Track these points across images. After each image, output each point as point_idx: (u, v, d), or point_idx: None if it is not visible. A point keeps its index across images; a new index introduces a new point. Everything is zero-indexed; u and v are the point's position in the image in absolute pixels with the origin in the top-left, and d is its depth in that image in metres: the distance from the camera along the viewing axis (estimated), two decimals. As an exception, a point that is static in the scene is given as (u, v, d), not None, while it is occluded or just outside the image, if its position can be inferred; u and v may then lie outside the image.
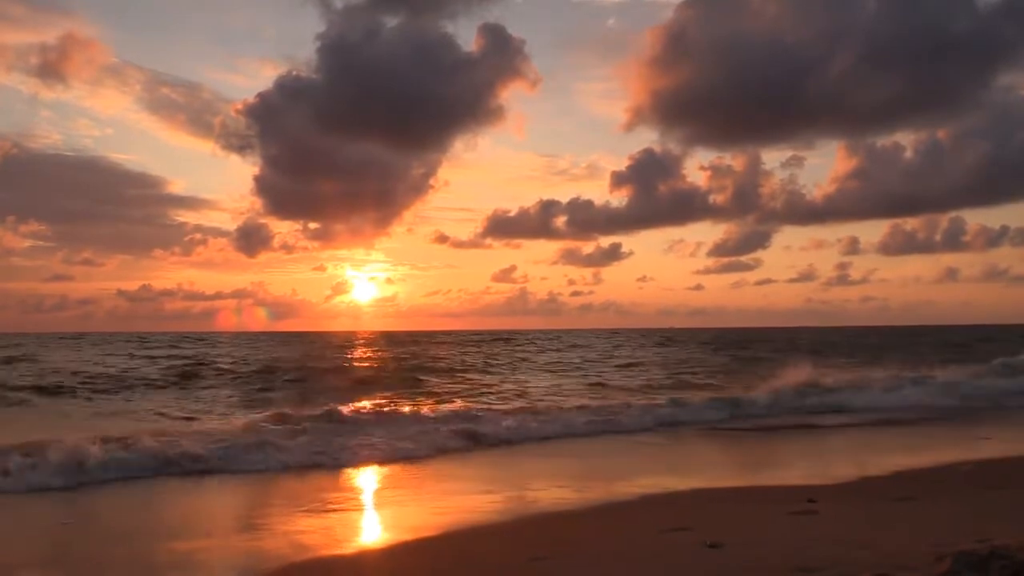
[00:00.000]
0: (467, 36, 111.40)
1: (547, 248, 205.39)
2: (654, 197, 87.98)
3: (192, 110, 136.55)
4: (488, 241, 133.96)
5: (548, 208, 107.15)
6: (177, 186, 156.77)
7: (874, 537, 6.87)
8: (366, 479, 11.51)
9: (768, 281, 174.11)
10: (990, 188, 77.03)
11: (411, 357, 46.37)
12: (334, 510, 9.20)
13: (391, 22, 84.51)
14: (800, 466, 12.68)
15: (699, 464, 13.08)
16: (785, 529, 7.42)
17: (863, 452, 13.55)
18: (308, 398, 20.63)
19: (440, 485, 11.14)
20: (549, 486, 10.45)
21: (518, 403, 20.78)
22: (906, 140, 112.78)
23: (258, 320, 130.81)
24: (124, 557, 7.31)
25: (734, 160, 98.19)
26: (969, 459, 11.79)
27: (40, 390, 23.66)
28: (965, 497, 8.89)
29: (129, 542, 7.89)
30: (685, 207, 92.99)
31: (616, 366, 37.74)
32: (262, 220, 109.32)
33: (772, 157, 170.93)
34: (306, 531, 8.05)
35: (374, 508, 9.65)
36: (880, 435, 15.77)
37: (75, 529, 8.67)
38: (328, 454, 12.78)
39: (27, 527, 9.06)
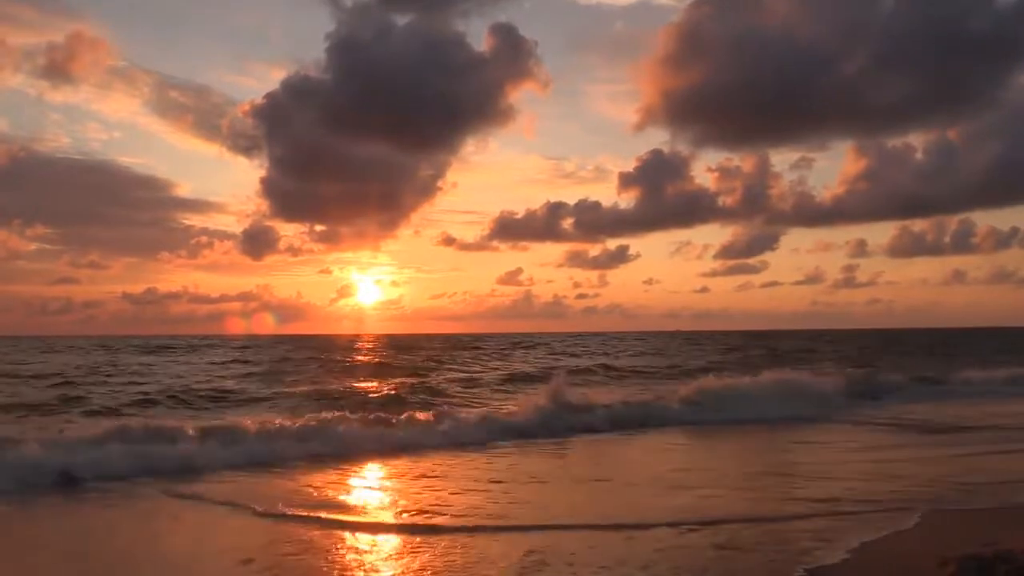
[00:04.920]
0: (478, 36, 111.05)
1: (554, 251, 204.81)
2: (662, 199, 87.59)
3: (200, 113, 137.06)
4: (495, 243, 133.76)
5: (555, 210, 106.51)
6: (184, 189, 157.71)
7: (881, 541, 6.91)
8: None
9: (774, 283, 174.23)
10: (1002, 189, 76.28)
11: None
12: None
13: (401, 21, 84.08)
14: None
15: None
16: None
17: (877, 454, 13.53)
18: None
19: None
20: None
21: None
22: (917, 141, 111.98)
23: (263, 323, 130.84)
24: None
25: (743, 161, 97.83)
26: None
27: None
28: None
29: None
30: (693, 209, 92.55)
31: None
32: (268, 223, 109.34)
33: (782, 158, 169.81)
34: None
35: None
36: (892, 438, 15.73)
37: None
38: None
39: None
